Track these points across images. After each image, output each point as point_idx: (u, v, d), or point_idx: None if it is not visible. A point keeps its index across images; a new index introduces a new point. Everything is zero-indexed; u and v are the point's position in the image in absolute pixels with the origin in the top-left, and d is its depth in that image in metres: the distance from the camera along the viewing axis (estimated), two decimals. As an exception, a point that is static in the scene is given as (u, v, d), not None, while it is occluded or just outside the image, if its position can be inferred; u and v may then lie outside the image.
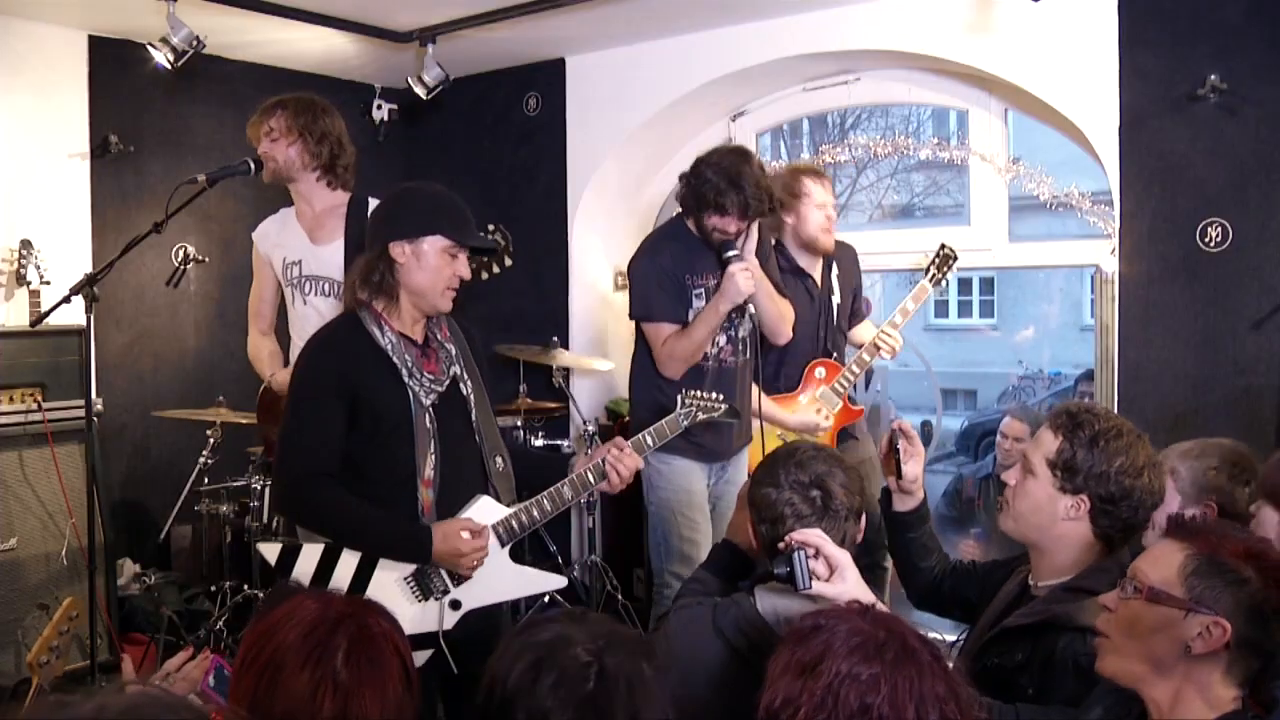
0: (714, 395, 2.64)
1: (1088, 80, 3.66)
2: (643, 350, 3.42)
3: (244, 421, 4.03)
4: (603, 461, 2.45)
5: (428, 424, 2.36)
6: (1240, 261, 3.43)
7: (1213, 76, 3.40)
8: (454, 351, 2.48)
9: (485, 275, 3.62)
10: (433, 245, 2.34)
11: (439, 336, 2.47)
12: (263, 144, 3.13)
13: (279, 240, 3.22)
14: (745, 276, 3.15)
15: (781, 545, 1.77)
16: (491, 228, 3.19)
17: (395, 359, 2.34)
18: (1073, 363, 10.12)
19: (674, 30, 4.56)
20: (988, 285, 13.38)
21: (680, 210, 3.37)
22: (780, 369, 3.65)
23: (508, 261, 3.25)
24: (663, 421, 2.58)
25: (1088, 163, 3.86)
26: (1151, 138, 3.57)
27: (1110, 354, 3.70)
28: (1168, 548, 1.50)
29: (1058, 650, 1.78)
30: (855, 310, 3.95)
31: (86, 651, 3.63)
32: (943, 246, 3.86)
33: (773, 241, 3.62)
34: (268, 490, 4.06)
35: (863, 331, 3.94)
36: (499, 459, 2.50)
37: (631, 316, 3.39)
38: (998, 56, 3.85)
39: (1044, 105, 3.81)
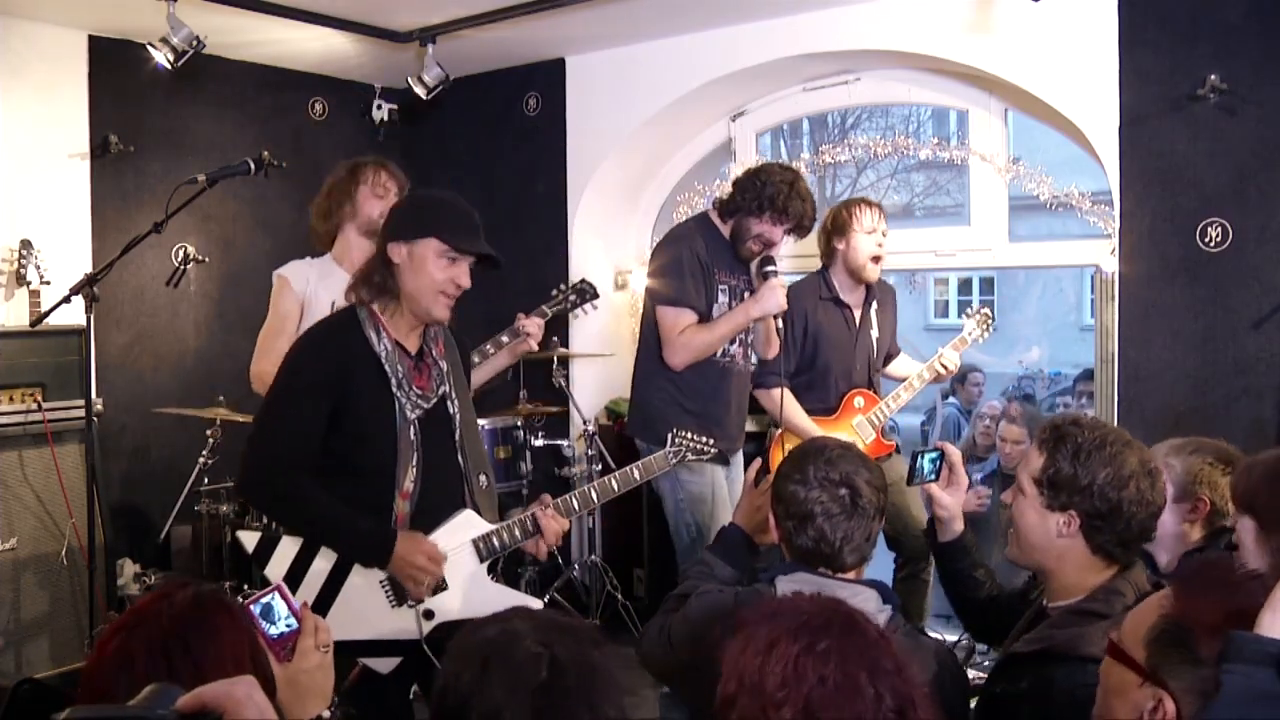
0: (704, 439, 2.74)
1: (1088, 80, 3.66)
2: (650, 349, 3.43)
3: (243, 420, 4.03)
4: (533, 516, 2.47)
5: (411, 436, 2.34)
6: (1240, 261, 3.42)
7: (1213, 76, 3.39)
8: (445, 369, 2.45)
9: (576, 315, 4.03)
10: (427, 248, 2.31)
11: (434, 352, 2.45)
12: (377, 205, 3.19)
13: (322, 286, 3.22)
14: (784, 292, 3.28)
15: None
16: (579, 281, 3.61)
17: (387, 367, 2.32)
18: (1073, 363, 10.10)
19: (674, 30, 4.56)
20: (988, 285, 13.37)
21: (711, 211, 3.45)
22: (810, 390, 3.68)
23: (590, 308, 3.74)
24: (650, 458, 2.67)
25: (1088, 163, 3.86)
26: (1151, 138, 3.57)
27: (1110, 354, 3.70)
28: (1155, 599, 1.32)
29: (1056, 680, 1.69)
30: (892, 350, 3.98)
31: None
32: (981, 308, 3.99)
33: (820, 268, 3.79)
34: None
35: (899, 366, 3.97)
36: (482, 477, 2.50)
37: (656, 300, 3.39)
38: (998, 56, 3.85)
39: (1044, 105, 3.81)
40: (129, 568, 4.33)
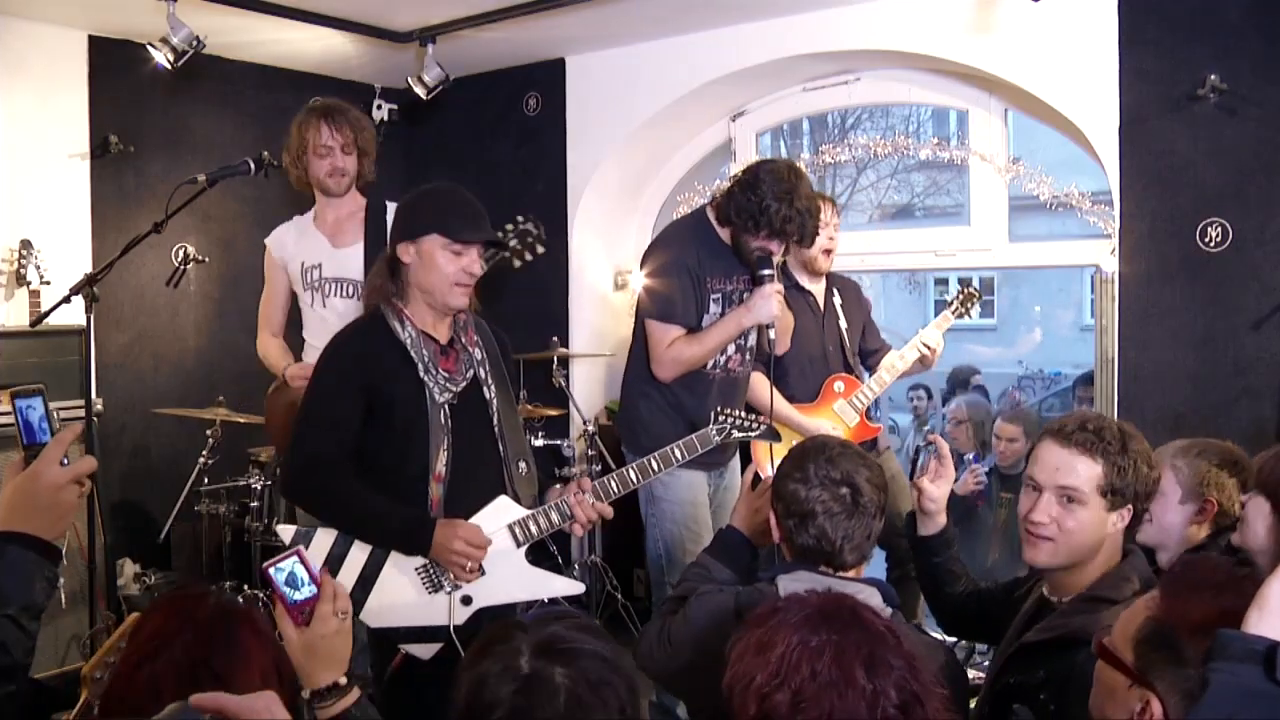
0: (752, 415, 2.65)
1: (1088, 80, 3.66)
2: (639, 359, 3.35)
3: (243, 420, 4.04)
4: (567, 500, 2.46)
5: (441, 420, 2.39)
6: (1240, 261, 3.42)
7: (1213, 76, 3.39)
8: (479, 356, 2.50)
9: (517, 263, 3.46)
10: (432, 244, 2.38)
11: (463, 339, 2.49)
12: (322, 165, 3.23)
13: (298, 247, 3.30)
14: (779, 300, 3.16)
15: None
16: (522, 218, 3.25)
17: (413, 353, 2.38)
18: (1073, 363, 10.12)
19: (674, 30, 4.56)
20: (988, 285, 13.39)
21: (709, 209, 3.29)
22: (782, 386, 3.59)
23: (540, 249, 3.28)
24: (693, 436, 2.58)
25: (1088, 163, 3.86)
26: (1151, 138, 3.57)
27: (1110, 354, 3.70)
28: (1142, 601, 1.34)
29: (1077, 665, 1.70)
30: (875, 345, 3.95)
31: (87, 654, 3.64)
32: (966, 285, 3.94)
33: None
34: (267, 489, 4.07)
35: (889, 360, 3.93)
36: (522, 464, 2.52)
37: (648, 315, 3.26)
38: (998, 56, 3.85)
39: (1044, 105, 3.81)
40: (129, 568, 4.33)
